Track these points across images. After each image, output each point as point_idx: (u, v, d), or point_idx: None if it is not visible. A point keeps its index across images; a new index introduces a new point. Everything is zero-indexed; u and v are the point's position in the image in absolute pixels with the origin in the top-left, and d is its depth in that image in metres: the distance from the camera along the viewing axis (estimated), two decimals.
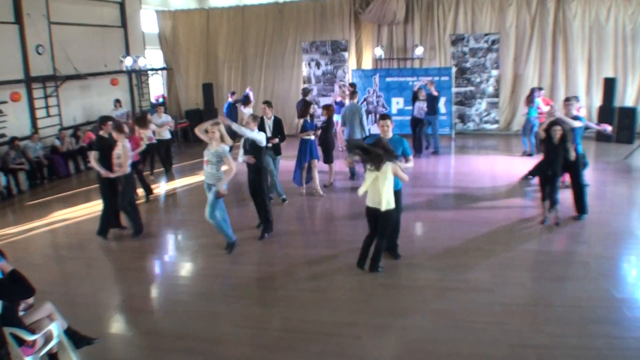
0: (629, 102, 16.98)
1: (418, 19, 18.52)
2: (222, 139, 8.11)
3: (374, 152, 6.96)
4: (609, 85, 16.15)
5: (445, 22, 18.37)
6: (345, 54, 19.03)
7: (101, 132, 9.49)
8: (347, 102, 15.20)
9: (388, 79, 17.78)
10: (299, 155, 11.22)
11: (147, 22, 20.12)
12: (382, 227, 7.33)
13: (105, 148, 9.22)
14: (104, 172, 9.09)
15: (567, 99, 10.01)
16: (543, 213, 9.32)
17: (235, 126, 8.86)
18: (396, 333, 5.99)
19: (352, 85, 16.16)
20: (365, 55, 19.64)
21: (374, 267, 7.49)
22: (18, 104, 14.10)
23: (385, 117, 7.83)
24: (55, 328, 5.21)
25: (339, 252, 8.43)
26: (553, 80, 17.80)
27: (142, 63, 18.23)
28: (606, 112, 16.06)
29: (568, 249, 8.27)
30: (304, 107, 11.28)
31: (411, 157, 7.80)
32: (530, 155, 14.36)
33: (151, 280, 7.90)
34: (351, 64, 19.18)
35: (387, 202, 7.10)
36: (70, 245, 9.23)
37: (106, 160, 9.15)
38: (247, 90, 16.74)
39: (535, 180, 10.62)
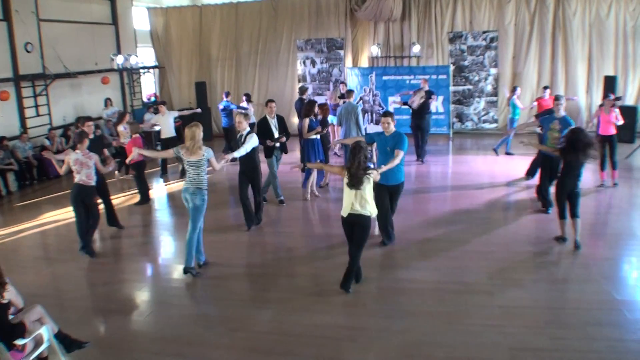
0: (630, 100, 17.04)
1: (415, 16, 18.54)
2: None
3: (355, 175, 6.71)
4: (610, 83, 16.19)
5: (442, 19, 18.39)
6: (341, 52, 19.05)
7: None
8: (331, 102, 15.30)
9: (385, 78, 17.78)
10: (307, 157, 11.09)
11: (139, 19, 20.08)
12: (361, 237, 6.97)
13: (92, 149, 8.88)
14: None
15: (556, 98, 9.95)
16: (562, 230, 8.53)
17: (236, 154, 8.68)
18: (393, 336, 5.99)
19: (342, 83, 16.22)
20: (361, 53, 19.67)
21: (346, 285, 7.00)
22: (6, 103, 14.06)
23: (387, 114, 8.06)
24: (46, 332, 5.21)
25: (335, 253, 8.41)
26: (553, 78, 17.83)
27: (133, 61, 18.20)
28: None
29: (568, 250, 8.27)
30: (308, 106, 11.18)
31: (401, 152, 7.85)
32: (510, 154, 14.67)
33: (143, 283, 7.89)
34: (347, 62, 19.20)
35: (371, 209, 6.93)
36: (61, 247, 9.22)
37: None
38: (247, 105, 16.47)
39: (536, 180, 10.64)
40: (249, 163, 9.25)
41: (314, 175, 11.35)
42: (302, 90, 15.30)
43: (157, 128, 14.45)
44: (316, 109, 11.17)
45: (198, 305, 6.98)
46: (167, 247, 9.54)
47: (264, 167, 9.91)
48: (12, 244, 9.59)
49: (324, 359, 5.61)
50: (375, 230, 8.61)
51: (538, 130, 11.79)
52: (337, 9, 19.03)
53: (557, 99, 9.76)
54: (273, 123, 10.58)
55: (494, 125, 18.38)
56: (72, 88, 16.53)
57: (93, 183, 8.65)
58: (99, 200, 9.46)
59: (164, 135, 13.83)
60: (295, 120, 15.77)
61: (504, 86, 16.15)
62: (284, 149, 10.84)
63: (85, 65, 16.77)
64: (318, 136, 11.13)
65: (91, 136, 9.35)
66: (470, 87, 18.33)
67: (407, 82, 17.30)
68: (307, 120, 10.89)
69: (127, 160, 10.60)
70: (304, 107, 11.21)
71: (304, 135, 11.01)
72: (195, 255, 7.81)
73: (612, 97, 11.99)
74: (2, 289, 4.95)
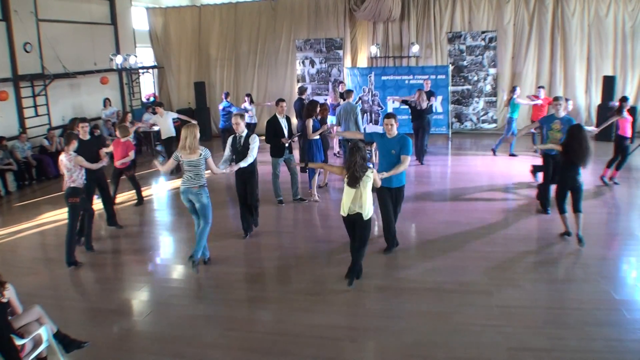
0: (629, 100, 17.00)
1: (414, 16, 18.55)
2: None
3: (352, 175, 6.83)
4: (609, 84, 16.21)
5: (441, 19, 18.41)
6: (340, 52, 19.03)
7: (80, 135, 9.11)
8: (330, 101, 15.28)
9: (384, 78, 17.78)
10: (310, 157, 11.02)
11: (138, 20, 20.07)
12: (362, 235, 7.12)
13: (86, 150, 8.81)
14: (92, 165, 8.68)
15: (555, 98, 9.92)
16: (565, 225, 8.64)
17: (243, 163, 8.57)
18: (393, 336, 5.99)
19: (340, 82, 16.22)
20: (360, 53, 19.68)
21: (349, 280, 7.16)
22: (5, 103, 14.04)
23: (390, 116, 7.96)
24: (45, 332, 5.21)
25: (334, 254, 8.44)
26: (552, 78, 17.88)
27: (132, 61, 18.18)
28: (605, 110, 16.09)
29: (567, 250, 8.28)
30: (311, 107, 11.08)
31: (408, 157, 7.75)
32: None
33: (142, 284, 7.87)
34: (346, 62, 19.19)
35: (368, 210, 7.00)
36: (60, 247, 9.17)
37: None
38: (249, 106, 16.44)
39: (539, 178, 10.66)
40: (246, 166, 8.81)
41: (317, 176, 11.34)
42: (302, 91, 15.29)
43: (155, 128, 14.45)
44: (318, 109, 11.14)
45: (197, 305, 6.97)
46: (166, 247, 9.54)
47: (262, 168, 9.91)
48: (11, 245, 9.58)
49: (323, 359, 5.61)
50: (376, 229, 8.62)
51: (533, 131, 12.00)
52: (336, 9, 19.04)
53: (556, 99, 9.76)
54: (283, 123, 10.60)
55: (493, 125, 18.38)
56: (71, 88, 16.52)
57: (80, 185, 8.42)
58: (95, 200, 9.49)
59: (163, 136, 13.78)
60: (294, 120, 15.76)
61: (503, 91, 16.07)
62: (290, 148, 10.81)
63: (84, 66, 16.76)
64: (318, 136, 11.11)
65: (87, 137, 9.35)
66: (469, 87, 18.32)
67: (406, 82, 17.31)
68: (310, 121, 10.82)
69: (118, 163, 10.65)
70: (306, 108, 11.13)
71: (308, 136, 10.93)
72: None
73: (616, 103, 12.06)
74: (2, 288, 4.95)
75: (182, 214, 11.03)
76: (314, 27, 19.33)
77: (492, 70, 18.13)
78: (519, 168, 13.34)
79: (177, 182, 13.32)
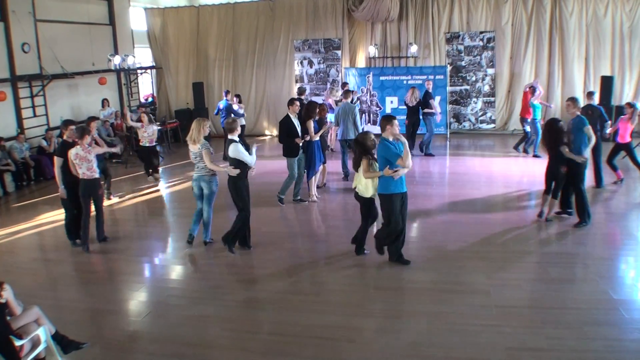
0: (627, 100, 17.01)
1: (412, 17, 18.56)
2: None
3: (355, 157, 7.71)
4: (607, 84, 16.22)
5: (440, 19, 18.42)
6: (339, 53, 19.03)
7: (65, 137, 9.07)
8: (329, 101, 15.27)
9: (382, 78, 17.81)
10: (311, 159, 10.96)
11: (136, 20, 20.06)
12: (363, 212, 8.14)
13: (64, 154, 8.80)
14: (60, 190, 8.92)
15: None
16: (542, 206, 9.61)
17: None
18: (391, 336, 5.99)
19: (344, 84, 16.19)
20: (358, 53, 19.68)
21: (357, 250, 8.18)
22: (3, 104, 14.04)
23: (389, 118, 7.65)
24: (43, 333, 5.20)
25: (332, 254, 8.45)
26: (550, 78, 17.89)
27: (130, 62, 18.11)
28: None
29: (565, 250, 8.30)
30: (310, 107, 10.97)
31: (408, 161, 7.39)
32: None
33: (140, 284, 7.87)
34: (344, 62, 19.19)
35: (365, 190, 7.83)
36: (58, 248, 9.19)
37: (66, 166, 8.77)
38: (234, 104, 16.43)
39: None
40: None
41: (316, 177, 11.32)
42: (301, 92, 15.28)
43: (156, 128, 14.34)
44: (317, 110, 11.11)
45: (196, 305, 6.96)
46: (165, 247, 9.52)
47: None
48: (9, 245, 9.57)
49: (322, 358, 5.61)
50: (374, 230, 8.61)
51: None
52: (335, 10, 19.04)
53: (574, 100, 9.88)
54: (296, 122, 10.55)
55: (491, 125, 18.40)
56: (69, 89, 16.51)
57: (97, 175, 8.86)
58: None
59: (142, 143, 13.38)
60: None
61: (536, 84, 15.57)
62: (303, 148, 10.76)
63: (83, 66, 16.75)
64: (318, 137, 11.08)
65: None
66: (468, 87, 18.33)
67: (405, 82, 17.33)
68: (311, 122, 10.78)
69: None
70: (306, 109, 11.06)
71: (311, 137, 10.86)
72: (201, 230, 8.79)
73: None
74: (0, 289, 4.95)
75: (179, 215, 11.05)
76: (312, 28, 19.33)
77: (490, 71, 18.14)
78: (518, 168, 13.38)
79: (173, 183, 13.40)
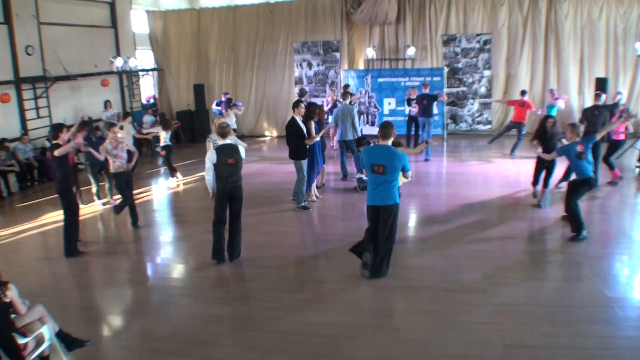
0: (621, 102, 17.06)
1: (410, 19, 18.57)
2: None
3: None
4: (601, 85, 16.20)
5: (437, 22, 18.43)
6: (337, 55, 19.03)
7: (56, 141, 8.69)
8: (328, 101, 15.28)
9: (380, 80, 17.84)
10: (313, 160, 10.90)
11: (138, 23, 20.05)
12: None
13: (64, 156, 8.74)
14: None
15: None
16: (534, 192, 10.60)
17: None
18: (389, 334, 6.00)
19: (346, 86, 16.18)
20: (357, 55, 19.69)
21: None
22: (7, 106, 14.05)
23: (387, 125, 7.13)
24: (47, 331, 5.21)
25: (331, 253, 8.47)
26: (545, 80, 17.93)
27: (132, 64, 18.18)
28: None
29: (560, 249, 8.30)
30: (311, 109, 10.83)
31: (409, 173, 7.24)
32: None
33: (142, 283, 7.88)
34: (343, 64, 19.20)
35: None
36: (61, 247, 9.18)
37: (65, 168, 8.69)
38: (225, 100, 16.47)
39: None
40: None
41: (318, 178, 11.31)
42: (302, 93, 15.28)
43: (153, 130, 14.35)
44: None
45: (197, 304, 6.97)
46: (167, 246, 9.52)
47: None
48: (14, 245, 9.57)
49: (322, 356, 5.61)
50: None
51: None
52: (333, 12, 19.04)
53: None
54: (302, 124, 10.45)
55: (487, 126, 18.41)
56: (72, 90, 16.51)
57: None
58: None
59: (164, 143, 13.48)
60: None
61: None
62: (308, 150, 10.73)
63: (85, 68, 16.75)
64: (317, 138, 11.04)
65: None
66: (464, 89, 18.34)
67: (402, 84, 17.34)
68: (312, 124, 10.73)
69: None
70: (306, 111, 11.00)
71: (312, 138, 10.84)
72: None
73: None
74: (4, 288, 4.95)
75: (181, 214, 11.06)
76: (311, 30, 19.34)
77: (486, 72, 18.16)
78: (513, 169, 13.39)
79: (173, 183, 13.39)
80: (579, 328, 5.88)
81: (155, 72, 20.98)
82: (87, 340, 5.65)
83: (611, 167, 11.64)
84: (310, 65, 19.26)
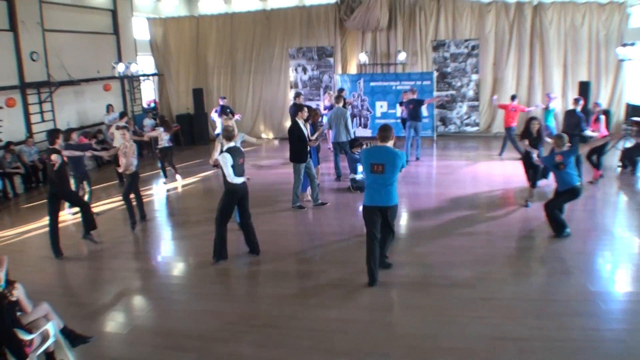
0: (603, 104, 17.08)
1: (401, 26, 18.59)
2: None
3: None
4: (584, 89, 16.29)
5: (426, 28, 18.45)
6: (331, 60, 19.04)
7: (53, 146, 8.78)
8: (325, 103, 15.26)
9: (372, 84, 17.86)
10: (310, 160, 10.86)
11: (139, 29, 19.97)
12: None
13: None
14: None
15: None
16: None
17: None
18: (383, 328, 6.01)
19: (341, 90, 16.19)
20: (350, 60, 19.69)
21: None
22: (13, 110, 13.98)
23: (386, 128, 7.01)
24: (52, 327, 5.19)
25: (326, 251, 8.47)
26: (531, 83, 18.02)
27: (134, 69, 18.13)
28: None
29: (545, 245, 8.33)
30: (306, 112, 10.79)
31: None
32: None
33: (144, 280, 7.86)
34: (337, 69, 19.20)
35: None
36: (65, 246, 9.15)
37: (64, 171, 8.85)
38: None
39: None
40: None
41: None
42: (297, 95, 15.28)
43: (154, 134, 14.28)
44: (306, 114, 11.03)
45: (196, 300, 6.96)
46: (167, 245, 9.50)
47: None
48: (20, 244, 9.55)
49: (318, 350, 5.61)
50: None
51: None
52: (327, 19, 19.05)
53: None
54: (304, 128, 10.40)
55: (475, 128, 18.46)
56: (75, 95, 16.45)
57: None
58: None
59: (162, 145, 13.41)
60: (287, 124, 15.68)
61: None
62: (310, 153, 10.66)
63: (88, 73, 16.68)
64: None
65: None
66: (453, 92, 18.37)
67: (393, 88, 17.36)
68: (307, 126, 10.74)
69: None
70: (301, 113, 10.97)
71: (314, 140, 10.81)
72: None
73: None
74: (11, 287, 4.94)
75: (181, 214, 11.04)
76: (306, 36, 19.34)
77: (474, 77, 18.20)
78: (500, 169, 13.42)
79: (173, 184, 13.36)
80: (564, 321, 5.90)
81: (156, 77, 20.89)
82: (91, 336, 5.63)
83: (597, 166, 11.66)
84: (305, 70, 19.25)
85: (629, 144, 13.39)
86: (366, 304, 6.63)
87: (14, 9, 13.93)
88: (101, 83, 17.45)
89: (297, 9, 19.63)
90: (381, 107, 17.86)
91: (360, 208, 7.58)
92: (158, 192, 13.06)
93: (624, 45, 16.12)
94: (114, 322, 6.53)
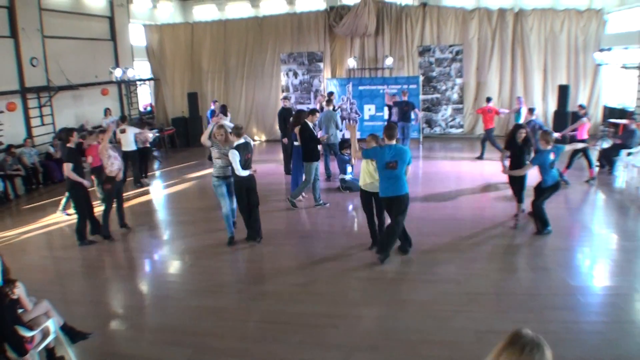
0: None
1: (388, 32, 18.61)
2: (226, 139, 8.52)
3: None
4: (563, 92, 16.41)
5: (413, 34, 18.49)
6: (321, 65, 19.01)
7: (68, 144, 8.89)
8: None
9: (360, 88, 17.85)
10: (298, 164, 10.93)
11: (135, 36, 19.94)
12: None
13: (76, 158, 8.89)
14: (86, 183, 8.86)
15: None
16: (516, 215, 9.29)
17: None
18: (371, 322, 6.03)
19: (330, 93, 16.21)
20: (339, 65, 19.67)
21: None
22: (14, 114, 13.93)
23: (392, 127, 7.68)
24: (52, 324, 5.16)
25: (317, 248, 8.48)
26: (512, 87, 18.09)
27: (130, 74, 18.08)
28: (560, 116, 16.30)
29: (527, 242, 8.37)
30: (301, 115, 10.73)
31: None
32: None
33: (142, 278, 7.84)
34: (326, 73, 19.19)
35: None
36: (65, 246, 9.12)
37: (77, 169, 8.77)
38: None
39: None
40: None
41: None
42: (286, 97, 15.27)
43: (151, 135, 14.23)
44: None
45: (193, 297, 6.94)
46: (163, 244, 9.47)
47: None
48: (21, 244, 9.47)
49: (308, 344, 5.61)
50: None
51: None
52: (317, 26, 19.04)
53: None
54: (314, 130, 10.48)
55: (460, 130, 18.50)
56: (74, 99, 16.38)
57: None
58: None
59: (124, 149, 12.76)
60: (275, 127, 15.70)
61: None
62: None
63: (86, 78, 16.64)
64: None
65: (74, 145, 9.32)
66: (438, 95, 18.40)
67: (381, 91, 17.38)
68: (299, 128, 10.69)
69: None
70: (296, 117, 10.90)
71: (323, 137, 10.85)
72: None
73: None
74: (12, 286, 4.91)
75: (177, 214, 11.00)
76: (297, 42, 19.32)
77: (458, 80, 18.23)
78: (485, 169, 13.46)
79: (169, 185, 13.32)
80: (545, 314, 5.94)
81: (152, 82, 20.85)
82: (90, 332, 5.60)
83: (590, 165, 11.76)
84: (296, 75, 19.22)
85: (606, 144, 13.48)
86: (355, 300, 6.64)
87: (14, 16, 13.89)
88: (99, 88, 17.41)
89: (288, 16, 19.67)
90: (369, 110, 17.86)
91: (350, 207, 7.88)
92: (154, 191, 13.02)
93: (601, 50, 16.28)
94: (112, 319, 6.49)
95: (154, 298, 7.07)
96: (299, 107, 17.77)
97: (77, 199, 8.95)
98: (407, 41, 18.56)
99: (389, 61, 18.31)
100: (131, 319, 6.48)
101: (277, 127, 16.38)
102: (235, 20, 20.08)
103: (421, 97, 17.59)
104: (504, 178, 10.49)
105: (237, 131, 8.41)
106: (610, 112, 17.08)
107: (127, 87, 18.73)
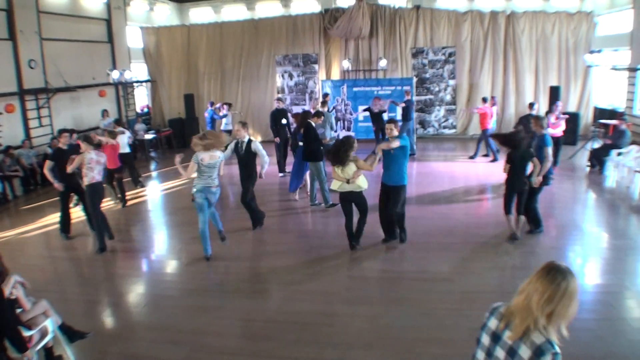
0: (572, 107, 17.35)
1: (382, 34, 18.64)
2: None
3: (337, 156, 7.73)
4: (554, 93, 16.44)
5: (406, 36, 18.52)
6: (316, 66, 19.05)
7: (59, 145, 9.05)
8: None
9: (355, 89, 17.84)
10: (300, 165, 10.93)
11: (132, 38, 19.87)
12: (363, 206, 8.12)
13: (61, 159, 8.90)
14: (56, 184, 8.99)
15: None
16: (511, 228, 8.35)
17: (266, 166, 9.01)
18: (366, 321, 6.02)
19: (325, 95, 16.21)
20: (334, 67, 19.69)
21: (355, 240, 8.22)
22: (12, 115, 13.88)
23: (390, 121, 7.99)
24: (50, 324, 5.14)
25: (312, 247, 8.46)
26: (505, 88, 18.14)
27: (128, 76, 18.01)
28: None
29: (520, 241, 8.36)
30: (305, 116, 10.68)
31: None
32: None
33: (139, 278, 7.81)
34: (321, 75, 19.20)
35: (363, 184, 7.89)
36: (63, 246, 9.09)
37: (61, 170, 8.83)
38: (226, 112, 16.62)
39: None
40: (249, 169, 9.04)
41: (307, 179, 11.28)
42: (280, 99, 15.25)
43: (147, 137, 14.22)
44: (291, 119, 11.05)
45: (189, 296, 6.92)
46: (160, 244, 9.45)
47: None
48: (19, 244, 9.44)
49: (304, 342, 5.61)
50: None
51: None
52: (312, 28, 19.06)
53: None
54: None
55: (452, 130, 18.54)
56: (72, 101, 16.31)
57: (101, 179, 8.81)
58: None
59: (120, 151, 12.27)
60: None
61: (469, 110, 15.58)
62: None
63: (84, 80, 16.59)
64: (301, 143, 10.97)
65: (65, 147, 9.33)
66: (432, 96, 18.44)
67: (375, 92, 17.38)
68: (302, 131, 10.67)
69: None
70: (302, 117, 10.87)
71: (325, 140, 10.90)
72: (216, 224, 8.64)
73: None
74: (7, 279, 4.87)
75: (174, 214, 10.98)
76: (292, 44, 19.33)
77: (451, 82, 18.28)
78: (476, 169, 13.48)
79: (166, 185, 13.29)
80: None
81: (149, 84, 20.80)
82: (88, 332, 5.58)
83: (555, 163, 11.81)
84: (291, 76, 19.23)
85: (596, 144, 13.52)
86: (350, 299, 6.63)
87: (13, 18, 13.83)
88: (96, 89, 17.34)
89: (283, 18, 19.69)
90: (363, 110, 17.85)
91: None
92: (150, 192, 12.99)
93: (592, 52, 16.32)
94: (110, 318, 6.48)
95: (150, 297, 7.04)
96: (294, 108, 17.85)
97: (93, 200, 8.67)
98: (400, 43, 18.60)
99: (382, 63, 18.34)
100: (128, 318, 6.46)
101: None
102: (231, 22, 20.09)
103: (415, 98, 17.58)
104: (500, 178, 10.50)
105: (244, 126, 8.84)
106: (600, 113, 17.13)
107: (124, 88, 18.67)
